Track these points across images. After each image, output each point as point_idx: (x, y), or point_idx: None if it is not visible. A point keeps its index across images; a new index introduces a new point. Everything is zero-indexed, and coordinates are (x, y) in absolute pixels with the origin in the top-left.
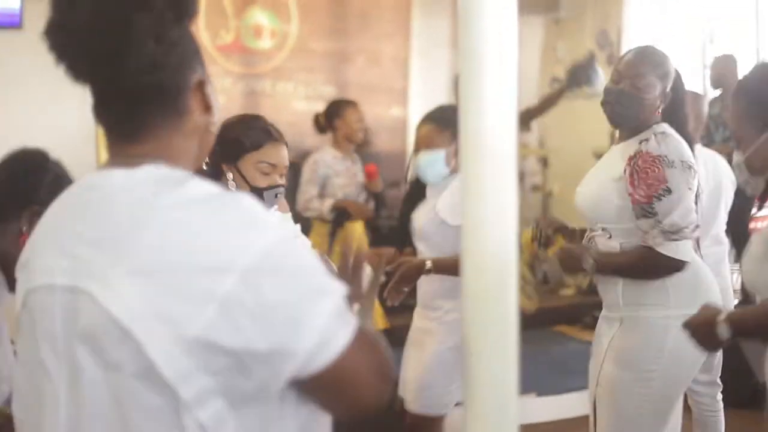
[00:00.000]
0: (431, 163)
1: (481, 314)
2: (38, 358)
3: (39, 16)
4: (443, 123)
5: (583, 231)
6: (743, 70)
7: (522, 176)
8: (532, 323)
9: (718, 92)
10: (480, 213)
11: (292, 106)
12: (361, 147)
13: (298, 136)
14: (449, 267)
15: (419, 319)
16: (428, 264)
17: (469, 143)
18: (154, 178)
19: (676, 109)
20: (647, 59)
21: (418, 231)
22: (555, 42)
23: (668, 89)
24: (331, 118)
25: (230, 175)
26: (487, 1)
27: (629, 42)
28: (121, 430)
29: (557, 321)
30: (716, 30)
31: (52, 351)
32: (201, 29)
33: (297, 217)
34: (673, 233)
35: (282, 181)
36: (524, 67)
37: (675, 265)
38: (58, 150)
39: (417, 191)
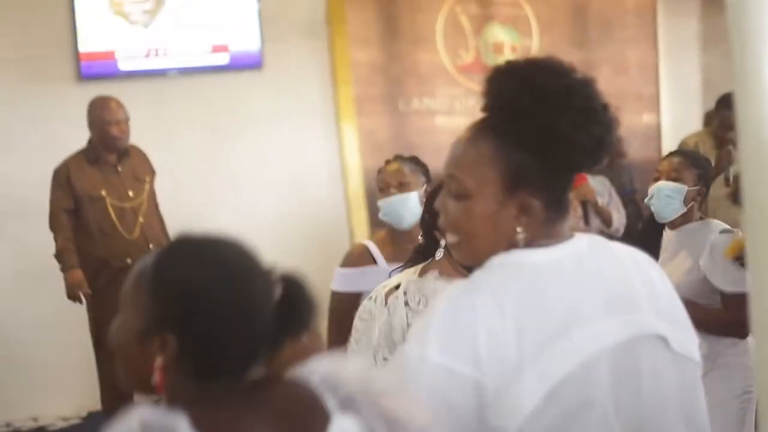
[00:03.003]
0: (670, 195)
1: None
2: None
3: (278, 56)
4: (694, 161)
5: None
6: None
7: None
8: None
9: None
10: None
11: None
12: (613, 158)
13: None
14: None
15: None
16: None
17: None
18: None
19: None
20: None
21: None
22: None
23: None
24: None
25: (443, 242)
26: None
27: None
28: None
29: None
30: None
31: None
32: (440, 50)
33: None
34: None
35: None
36: None
37: None
38: (305, 185)
39: (653, 232)
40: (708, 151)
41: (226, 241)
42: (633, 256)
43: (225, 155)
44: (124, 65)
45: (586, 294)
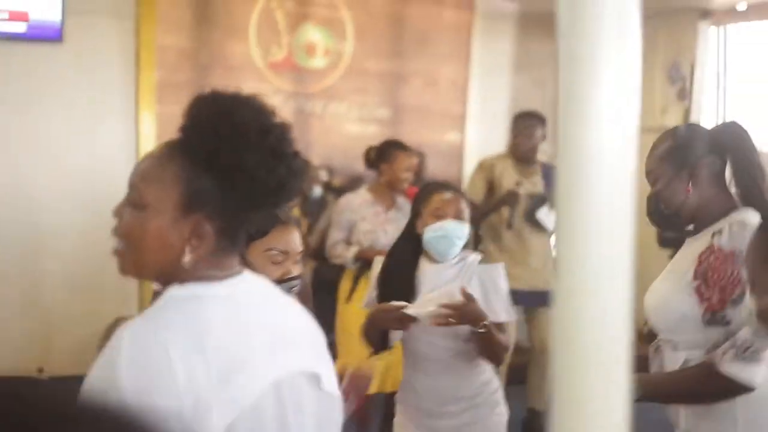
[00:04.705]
0: (461, 237)
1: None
2: None
3: (81, 30)
4: (467, 198)
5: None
6: None
7: None
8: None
9: None
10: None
11: (344, 128)
12: (415, 174)
13: (349, 160)
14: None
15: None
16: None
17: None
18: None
19: (752, 187)
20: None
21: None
22: None
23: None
24: (379, 160)
25: None
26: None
27: (702, 76)
28: None
29: None
30: None
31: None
32: (252, 45)
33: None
34: (745, 351)
35: (297, 270)
36: None
37: (737, 389)
38: (98, 165)
39: (407, 270)
40: (503, 174)
41: None
42: (287, 298)
43: (13, 130)
44: None
45: (257, 331)
